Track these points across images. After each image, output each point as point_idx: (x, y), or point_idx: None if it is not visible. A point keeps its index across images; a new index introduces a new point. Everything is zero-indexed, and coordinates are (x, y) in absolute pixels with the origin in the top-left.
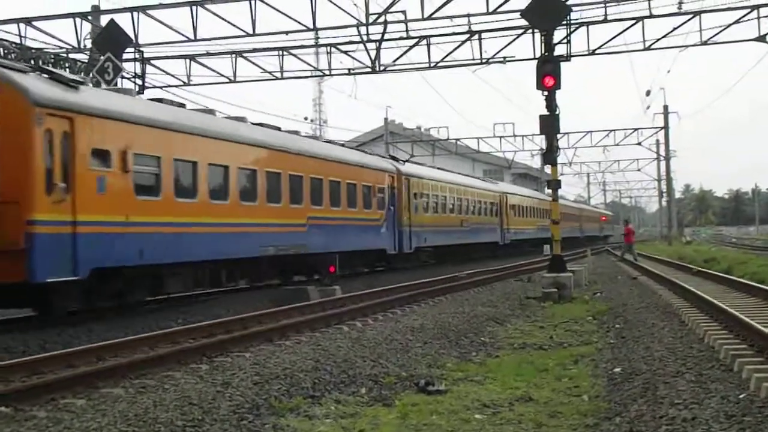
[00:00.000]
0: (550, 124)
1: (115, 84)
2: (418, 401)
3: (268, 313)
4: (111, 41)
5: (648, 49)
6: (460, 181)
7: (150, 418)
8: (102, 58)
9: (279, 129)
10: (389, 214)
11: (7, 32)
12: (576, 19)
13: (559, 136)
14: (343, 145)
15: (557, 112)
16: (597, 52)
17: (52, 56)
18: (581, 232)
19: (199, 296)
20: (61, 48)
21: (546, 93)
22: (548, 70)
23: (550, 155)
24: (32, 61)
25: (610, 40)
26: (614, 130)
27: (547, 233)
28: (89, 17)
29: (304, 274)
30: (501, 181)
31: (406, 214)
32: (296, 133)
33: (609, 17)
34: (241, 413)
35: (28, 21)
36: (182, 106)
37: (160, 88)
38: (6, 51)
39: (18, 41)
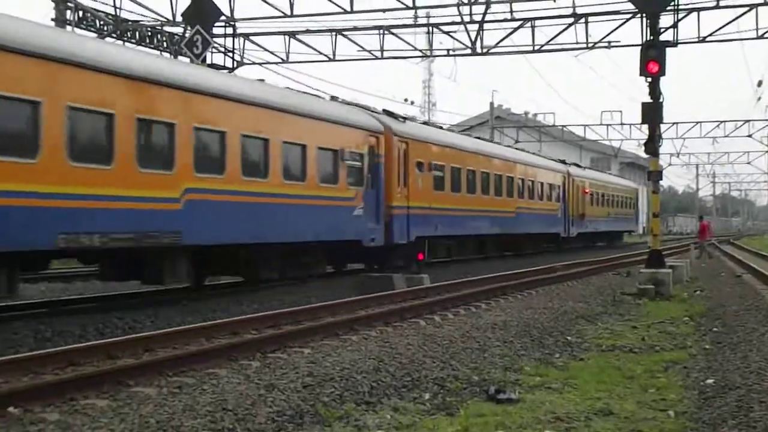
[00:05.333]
0: (652, 113)
1: (204, 58)
2: (485, 411)
3: (341, 303)
4: (200, 14)
5: (761, 37)
6: (499, 152)
7: (172, 426)
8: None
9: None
10: (371, 191)
11: (103, 3)
12: (686, 5)
13: (666, 125)
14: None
15: (661, 100)
16: (707, 39)
17: (149, 29)
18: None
19: (282, 281)
20: (156, 21)
21: (649, 80)
22: (653, 55)
23: (651, 145)
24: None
25: (722, 27)
26: (724, 121)
27: (626, 224)
28: None
29: (181, 274)
30: (607, 170)
31: (402, 191)
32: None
33: (721, 3)
34: (281, 422)
35: None
36: None
37: (259, 64)
38: (102, 23)
39: (113, 13)
